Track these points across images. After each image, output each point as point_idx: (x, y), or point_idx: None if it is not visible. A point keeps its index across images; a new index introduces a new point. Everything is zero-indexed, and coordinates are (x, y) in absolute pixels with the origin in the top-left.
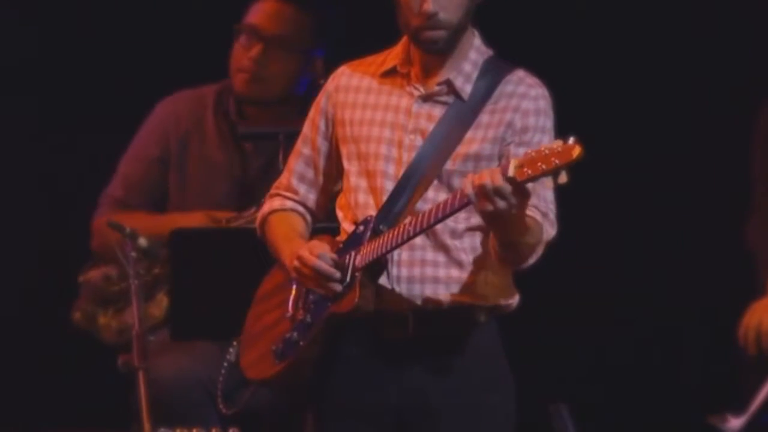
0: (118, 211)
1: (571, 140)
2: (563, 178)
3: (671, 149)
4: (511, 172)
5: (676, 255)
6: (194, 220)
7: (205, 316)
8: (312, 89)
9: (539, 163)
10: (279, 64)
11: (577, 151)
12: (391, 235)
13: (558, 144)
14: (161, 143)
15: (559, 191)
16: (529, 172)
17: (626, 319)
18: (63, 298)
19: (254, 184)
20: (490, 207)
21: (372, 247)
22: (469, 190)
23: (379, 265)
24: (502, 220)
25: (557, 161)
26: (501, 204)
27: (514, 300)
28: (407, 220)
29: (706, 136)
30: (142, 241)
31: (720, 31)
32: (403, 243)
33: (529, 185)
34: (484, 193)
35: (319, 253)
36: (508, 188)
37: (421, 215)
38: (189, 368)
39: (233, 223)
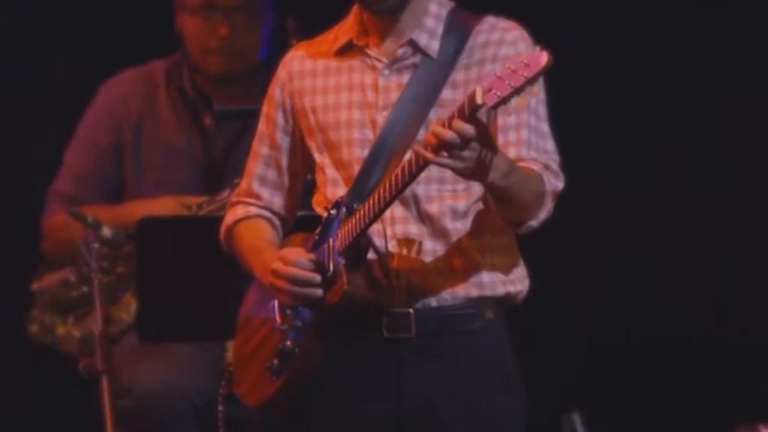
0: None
1: (537, 48)
2: (536, 91)
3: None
4: (479, 99)
5: (693, 259)
6: (163, 206)
7: (177, 315)
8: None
9: (507, 82)
10: (248, 31)
11: (545, 58)
12: (366, 209)
13: (522, 56)
14: (112, 129)
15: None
16: (498, 93)
17: (643, 325)
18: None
19: (219, 167)
20: (462, 159)
21: (349, 226)
22: (430, 155)
23: (360, 246)
24: (478, 166)
25: (526, 74)
26: (474, 147)
27: (524, 286)
28: (379, 188)
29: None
30: (106, 231)
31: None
32: (381, 213)
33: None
34: (449, 146)
35: (294, 260)
36: (470, 129)
37: (393, 178)
38: (171, 378)
39: (206, 209)
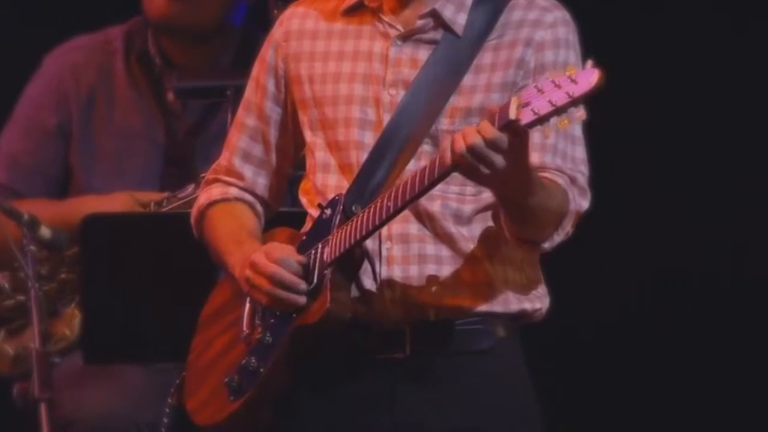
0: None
1: (588, 64)
2: (581, 114)
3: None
4: (512, 114)
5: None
6: (115, 203)
7: (127, 332)
8: (260, 22)
9: (548, 99)
10: None
11: (595, 76)
12: (365, 216)
13: (570, 71)
14: (58, 108)
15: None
16: (536, 110)
17: (670, 346)
18: None
19: (184, 154)
20: (486, 170)
21: (343, 234)
22: (455, 157)
23: (354, 257)
24: (503, 179)
25: (571, 93)
26: (499, 161)
27: (544, 305)
28: (385, 195)
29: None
30: (45, 231)
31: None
32: (382, 225)
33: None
34: (476, 156)
35: (280, 257)
36: (504, 139)
37: (402, 185)
38: (120, 406)
39: (166, 207)
